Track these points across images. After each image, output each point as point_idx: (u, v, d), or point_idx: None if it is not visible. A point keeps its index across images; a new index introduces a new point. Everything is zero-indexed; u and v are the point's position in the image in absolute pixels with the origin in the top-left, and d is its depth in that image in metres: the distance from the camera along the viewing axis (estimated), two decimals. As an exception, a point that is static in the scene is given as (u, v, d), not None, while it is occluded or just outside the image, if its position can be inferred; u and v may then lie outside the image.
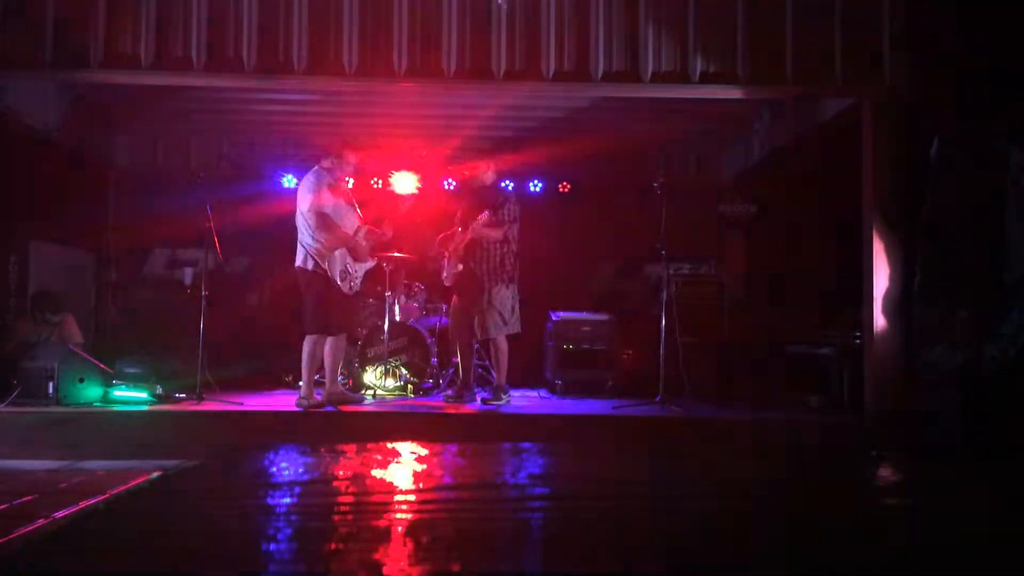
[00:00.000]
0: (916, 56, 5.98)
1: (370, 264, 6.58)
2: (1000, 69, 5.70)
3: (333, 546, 3.11)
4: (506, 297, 6.47)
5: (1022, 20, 5.62)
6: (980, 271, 5.52)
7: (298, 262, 6.21)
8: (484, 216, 6.27)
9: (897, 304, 5.93)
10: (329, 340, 6.30)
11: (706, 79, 6.09)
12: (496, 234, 6.40)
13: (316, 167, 6.30)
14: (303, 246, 6.17)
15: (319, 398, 6.34)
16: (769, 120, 8.10)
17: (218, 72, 6.06)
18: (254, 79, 6.17)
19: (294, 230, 6.23)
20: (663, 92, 6.33)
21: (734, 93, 6.32)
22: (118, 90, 7.15)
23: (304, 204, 6.12)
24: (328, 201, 6.15)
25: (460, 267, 6.49)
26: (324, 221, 6.10)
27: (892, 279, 5.97)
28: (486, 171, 6.67)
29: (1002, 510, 3.88)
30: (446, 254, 6.62)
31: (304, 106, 7.94)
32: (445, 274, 6.65)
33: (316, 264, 6.12)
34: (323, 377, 7.34)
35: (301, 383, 6.29)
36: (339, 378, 6.58)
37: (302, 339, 6.29)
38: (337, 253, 6.18)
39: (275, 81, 6.29)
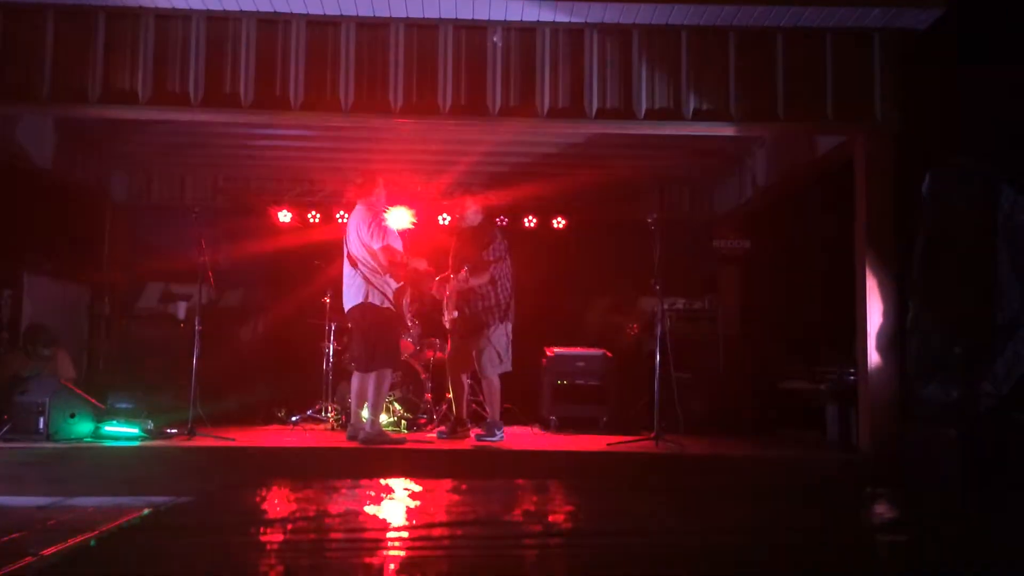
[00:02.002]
0: (907, 93, 6.05)
1: (436, 293, 6.55)
2: (992, 105, 5.76)
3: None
4: (502, 335, 6.44)
5: (1014, 57, 5.70)
6: (973, 307, 5.53)
7: (366, 299, 6.10)
8: (462, 274, 6.20)
9: (891, 340, 5.93)
10: (377, 374, 6.16)
11: (699, 116, 6.15)
12: (481, 280, 6.37)
13: (363, 204, 6.25)
14: (369, 283, 6.09)
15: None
16: (762, 156, 8.16)
17: (215, 107, 6.09)
18: (251, 114, 6.20)
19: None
20: (657, 129, 6.39)
21: (727, 130, 6.39)
22: (114, 124, 7.17)
23: (374, 242, 6.06)
24: (393, 236, 6.16)
25: (456, 314, 6.47)
26: (394, 256, 6.11)
27: (886, 314, 5.97)
28: (473, 210, 6.65)
29: (995, 547, 3.86)
30: (445, 297, 6.58)
31: (300, 141, 7.98)
32: (446, 318, 6.62)
33: (385, 299, 6.10)
34: (315, 413, 7.32)
35: (360, 419, 6.22)
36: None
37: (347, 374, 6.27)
38: (398, 287, 6.18)
39: (271, 117, 6.33)
